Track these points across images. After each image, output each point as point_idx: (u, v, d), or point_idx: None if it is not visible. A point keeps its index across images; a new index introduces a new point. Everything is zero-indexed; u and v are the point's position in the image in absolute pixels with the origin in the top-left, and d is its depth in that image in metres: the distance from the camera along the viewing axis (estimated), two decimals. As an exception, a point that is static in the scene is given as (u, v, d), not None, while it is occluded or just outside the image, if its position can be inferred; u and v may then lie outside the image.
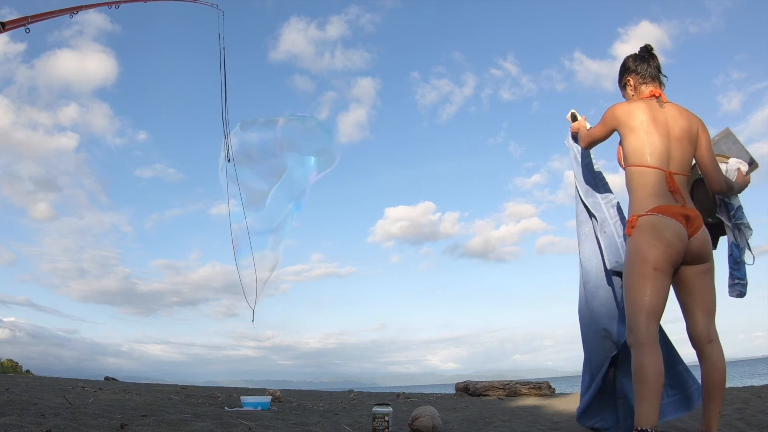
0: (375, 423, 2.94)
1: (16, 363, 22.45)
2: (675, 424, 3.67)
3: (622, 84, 2.69)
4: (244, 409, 4.47)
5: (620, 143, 2.57)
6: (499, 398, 8.19)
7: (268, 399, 4.84)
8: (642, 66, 2.60)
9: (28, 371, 21.58)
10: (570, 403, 6.50)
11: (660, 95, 2.51)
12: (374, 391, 13.43)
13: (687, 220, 2.24)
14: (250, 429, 3.04)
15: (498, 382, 8.92)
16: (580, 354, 2.96)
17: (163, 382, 15.47)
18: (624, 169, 2.47)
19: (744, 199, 2.66)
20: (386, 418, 2.94)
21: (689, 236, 2.25)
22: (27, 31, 3.46)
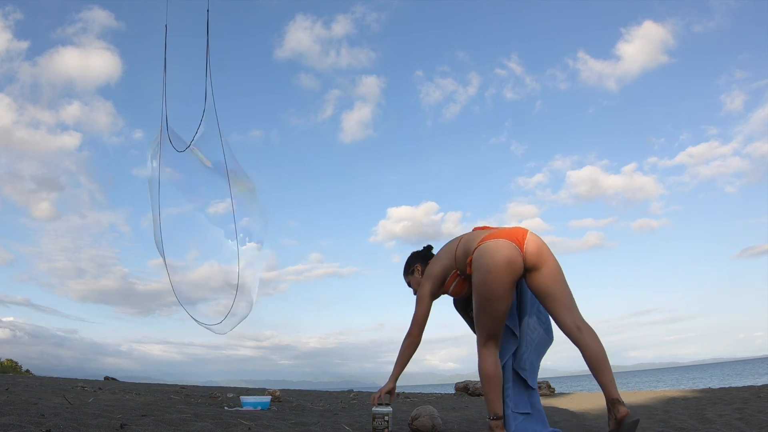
0: (375, 423, 2.94)
1: (16, 363, 22.42)
2: (674, 424, 3.67)
3: (410, 270, 3.15)
4: (244, 408, 4.47)
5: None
6: (498, 398, 8.18)
7: (267, 399, 4.84)
8: (426, 259, 3.11)
9: (27, 371, 21.56)
10: (570, 402, 6.50)
11: None
12: (374, 390, 13.42)
13: (515, 237, 2.60)
14: (249, 429, 3.04)
15: (498, 382, 8.91)
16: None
17: (162, 382, 15.46)
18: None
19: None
20: (386, 418, 2.94)
21: (521, 246, 2.59)
22: None
